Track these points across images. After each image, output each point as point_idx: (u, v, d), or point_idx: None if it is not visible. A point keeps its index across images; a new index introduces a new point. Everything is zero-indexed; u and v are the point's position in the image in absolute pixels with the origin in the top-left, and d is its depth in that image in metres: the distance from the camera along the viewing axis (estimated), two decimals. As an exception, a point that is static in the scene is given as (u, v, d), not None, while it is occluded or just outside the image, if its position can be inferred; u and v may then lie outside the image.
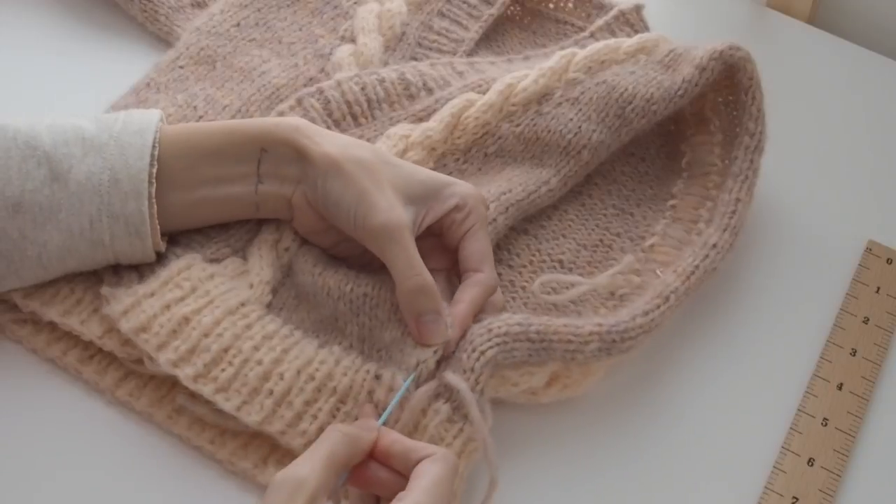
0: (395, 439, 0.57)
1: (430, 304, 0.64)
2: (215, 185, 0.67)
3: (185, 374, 0.62)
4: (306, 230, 0.69)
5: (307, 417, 0.62)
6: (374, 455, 0.57)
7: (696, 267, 0.70)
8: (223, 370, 0.62)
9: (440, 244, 0.69)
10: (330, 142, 0.67)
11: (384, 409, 0.61)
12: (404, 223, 0.65)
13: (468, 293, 0.66)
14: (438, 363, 0.64)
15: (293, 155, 0.67)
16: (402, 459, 0.56)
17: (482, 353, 0.63)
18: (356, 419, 0.62)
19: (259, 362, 0.63)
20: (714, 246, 0.71)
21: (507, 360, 0.64)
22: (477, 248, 0.67)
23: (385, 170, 0.66)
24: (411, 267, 0.64)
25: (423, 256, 0.66)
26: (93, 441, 0.64)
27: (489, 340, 0.64)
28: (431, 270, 0.67)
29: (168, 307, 0.64)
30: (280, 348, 0.64)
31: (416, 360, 0.63)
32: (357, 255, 0.69)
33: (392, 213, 0.64)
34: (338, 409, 0.62)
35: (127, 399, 0.65)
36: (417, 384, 0.63)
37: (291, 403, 0.62)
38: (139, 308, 0.64)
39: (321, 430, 0.61)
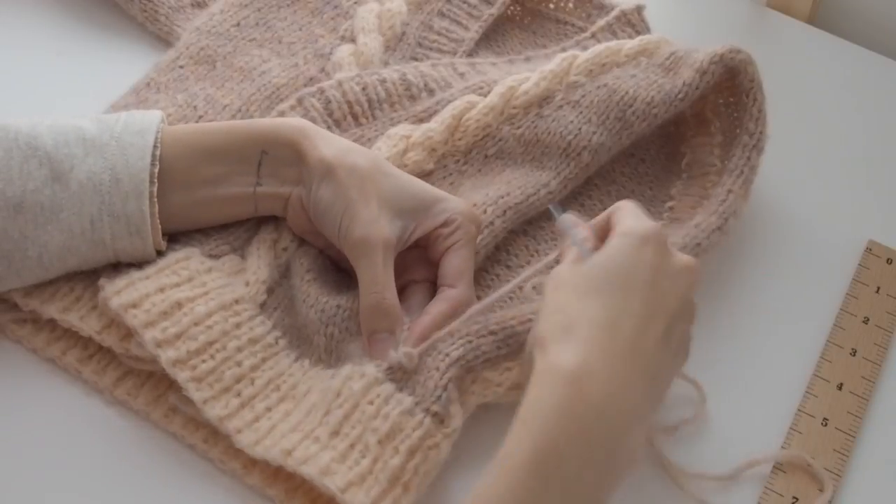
0: None
1: (384, 324, 0.64)
2: (215, 184, 0.67)
3: (166, 356, 0.62)
4: (299, 230, 0.70)
5: (263, 420, 0.63)
6: None
7: (675, 243, 0.70)
8: (203, 362, 0.63)
9: (425, 255, 0.69)
10: (328, 146, 0.67)
11: None
12: (381, 239, 0.65)
13: (436, 307, 0.66)
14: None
15: (293, 157, 0.67)
16: None
17: (447, 354, 0.63)
18: (305, 412, 0.63)
19: (238, 364, 0.64)
20: (696, 225, 0.71)
21: (478, 359, 0.64)
22: (456, 263, 0.67)
23: (379, 180, 0.66)
24: (375, 283, 0.64)
25: (406, 267, 0.67)
26: (91, 439, 0.64)
27: (453, 344, 0.64)
28: (413, 282, 0.68)
29: (162, 290, 0.65)
30: (260, 356, 0.65)
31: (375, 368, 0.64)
32: (345, 259, 0.68)
33: (371, 227, 0.65)
34: (291, 411, 0.63)
35: (125, 398, 0.65)
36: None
37: (254, 407, 0.63)
38: (133, 287, 0.65)
39: (273, 428, 0.62)
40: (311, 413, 0.62)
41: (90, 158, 0.65)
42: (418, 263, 0.69)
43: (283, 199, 0.68)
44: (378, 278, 0.64)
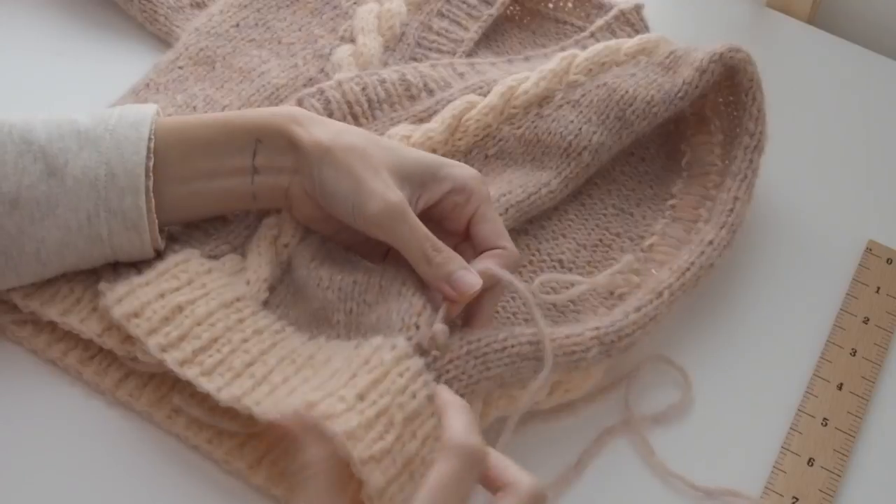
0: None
1: (453, 265, 0.64)
2: (211, 177, 0.67)
3: (172, 358, 0.62)
4: (306, 219, 0.69)
5: (282, 388, 0.61)
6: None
7: (692, 263, 0.70)
8: (210, 356, 0.63)
9: (441, 229, 0.67)
10: (321, 129, 0.66)
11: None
12: (402, 201, 0.64)
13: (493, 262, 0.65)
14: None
15: (286, 145, 0.67)
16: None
17: (487, 367, 0.63)
18: (329, 376, 0.60)
19: (246, 352, 0.63)
20: (710, 243, 0.71)
21: (514, 378, 0.64)
22: (490, 227, 0.66)
23: (377, 152, 0.66)
24: (424, 240, 0.64)
25: None
26: (93, 441, 0.64)
27: (500, 358, 0.63)
28: None
29: (163, 295, 0.65)
30: (269, 342, 0.64)
31: (402, 321, 0.62)
32: (359, 243, 0.69)
33: (388, 194, 0.64)
34: (310, 378, 0.62)
35: (127, 399, 0.65)
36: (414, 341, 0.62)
37: (270, 381, 0.62)
38: (133, 295, 0.64)
39: (292, 391, 0.60)
40: (334, 376, 0.60)
41: (84, 152, 0.65)
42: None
43: (282, 189, 0.67)
44: (422, 233, 0.64)
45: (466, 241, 0.68)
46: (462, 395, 0.61)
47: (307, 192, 0.67)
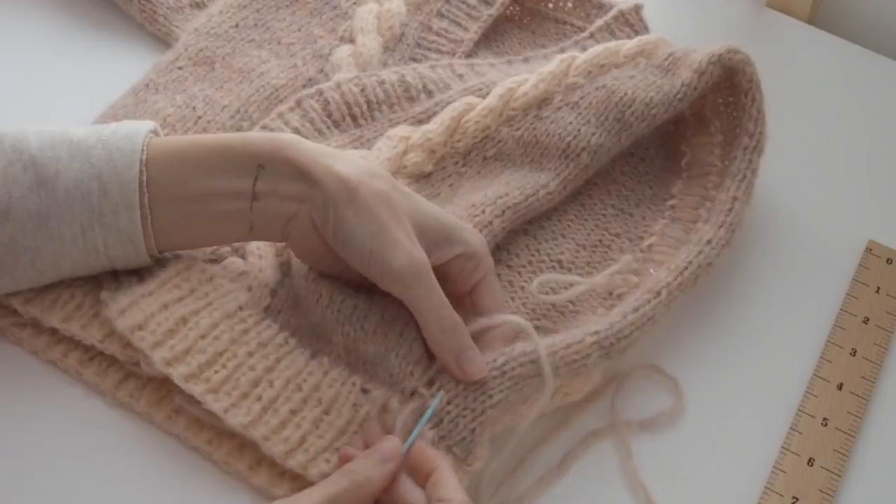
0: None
1: (466, 341, 0.63)
2: (206, 200, 0.64)
3: (178, 373, 0.62)
4: (304, 251, 0.67)
5: (291, 426, 0.62)
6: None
7: (690, 262, 0.70)
8: (216, 372, 0.62)
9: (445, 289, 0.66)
10: (337, 163, 0.64)
11: (388, 431, 0.62)
12: (427, 262, 0.63)
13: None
14: (430, 383, 0.64)
15: (294, 173, 0.64)
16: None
17: (489, 395, 0.62)
18: (338, 429, 0.62)
19: (252, 368, 0.63)
20: (708, 242, 0.71)
21: (519, 399, 0.64)
22: (495, 301, 0.67)
23: (401, 201, 0.64)
24: (443, 307, 0.63)
25: None
26: (93, 441, 0.64)
27: (501, 384, 0.63)
28: None
29: (166, 307, 0.64)
30: (273, 357, 0.64)
31: (400, 367, 0.63)
32: (355, 280, 0.66)
33: (414, 252, 0.62)
34: (321, 420, 0.62)
35: (127, 400, 0.65)
36: (405, 402, 0.63)
37: (277, 411, 0.62)
38: (137, 307, 0.64)
39: (303, 439, 0.61)
40: (345, 433, 0.62)
41: (76, 162, 0.63)
42: None
43: (284, 218, 0.65)
44: (443, 300, 0.63)
45: (462, 303, 0.67)
46: (472, 430, 0.62)
47: (317, 225, 0.64)
